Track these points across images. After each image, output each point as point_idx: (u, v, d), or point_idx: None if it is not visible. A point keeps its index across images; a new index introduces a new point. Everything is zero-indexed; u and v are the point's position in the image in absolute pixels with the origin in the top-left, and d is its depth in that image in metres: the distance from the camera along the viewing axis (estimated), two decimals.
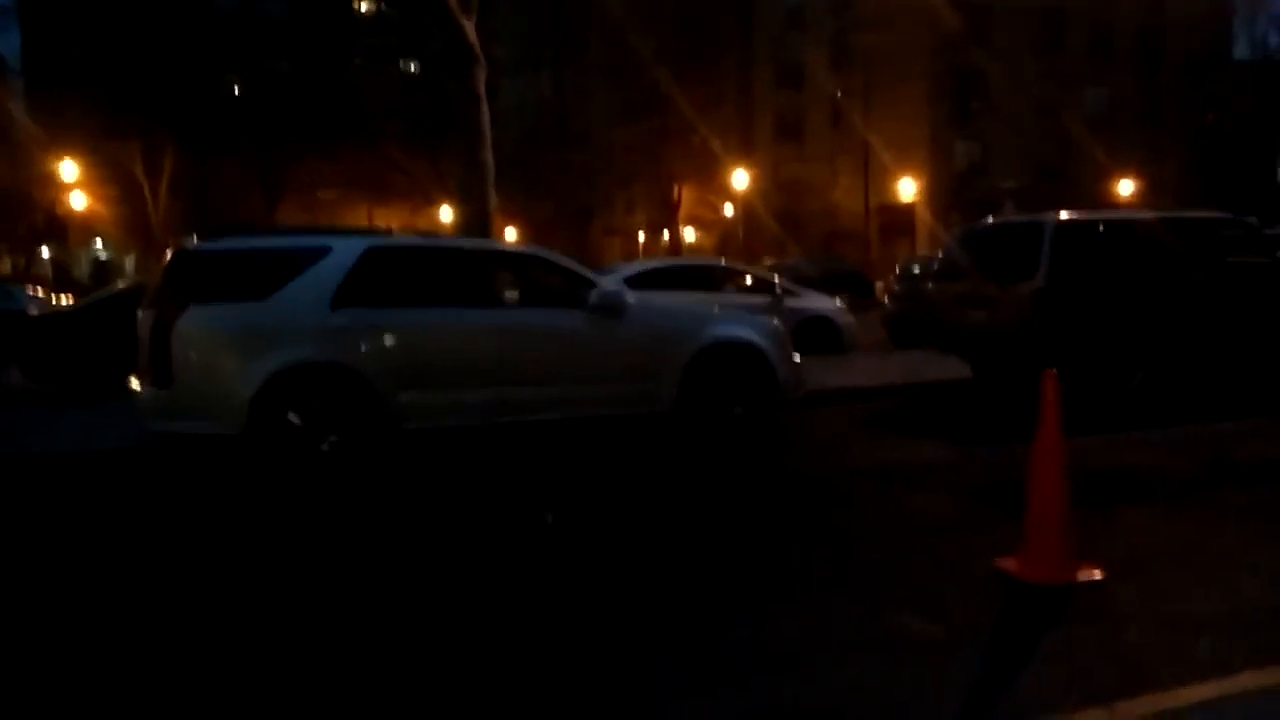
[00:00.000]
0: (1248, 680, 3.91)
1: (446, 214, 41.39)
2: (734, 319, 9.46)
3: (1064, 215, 10.86)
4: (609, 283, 9.20)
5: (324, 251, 8.22)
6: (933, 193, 44.95)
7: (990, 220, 12.60)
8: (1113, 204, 40.91)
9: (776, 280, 16.08)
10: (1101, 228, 10.92)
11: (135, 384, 8.17)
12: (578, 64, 47.54)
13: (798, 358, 9.54)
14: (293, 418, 7.86)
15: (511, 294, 9.22)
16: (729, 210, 46.91)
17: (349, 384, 8.01)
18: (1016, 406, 10.86)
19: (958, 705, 4.01)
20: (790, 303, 15.23)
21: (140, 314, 8.23)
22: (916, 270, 17.43)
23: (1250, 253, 11.24)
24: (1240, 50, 49.58)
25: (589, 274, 9.23)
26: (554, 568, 5.89)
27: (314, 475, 7.85)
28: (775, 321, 9.62)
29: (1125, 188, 44.88)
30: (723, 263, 17.62)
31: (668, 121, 43.57)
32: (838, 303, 16.44)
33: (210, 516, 7.27)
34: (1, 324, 16.33)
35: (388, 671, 4.39)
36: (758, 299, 14.94)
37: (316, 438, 7.92)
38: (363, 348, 8.06)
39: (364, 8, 59.90)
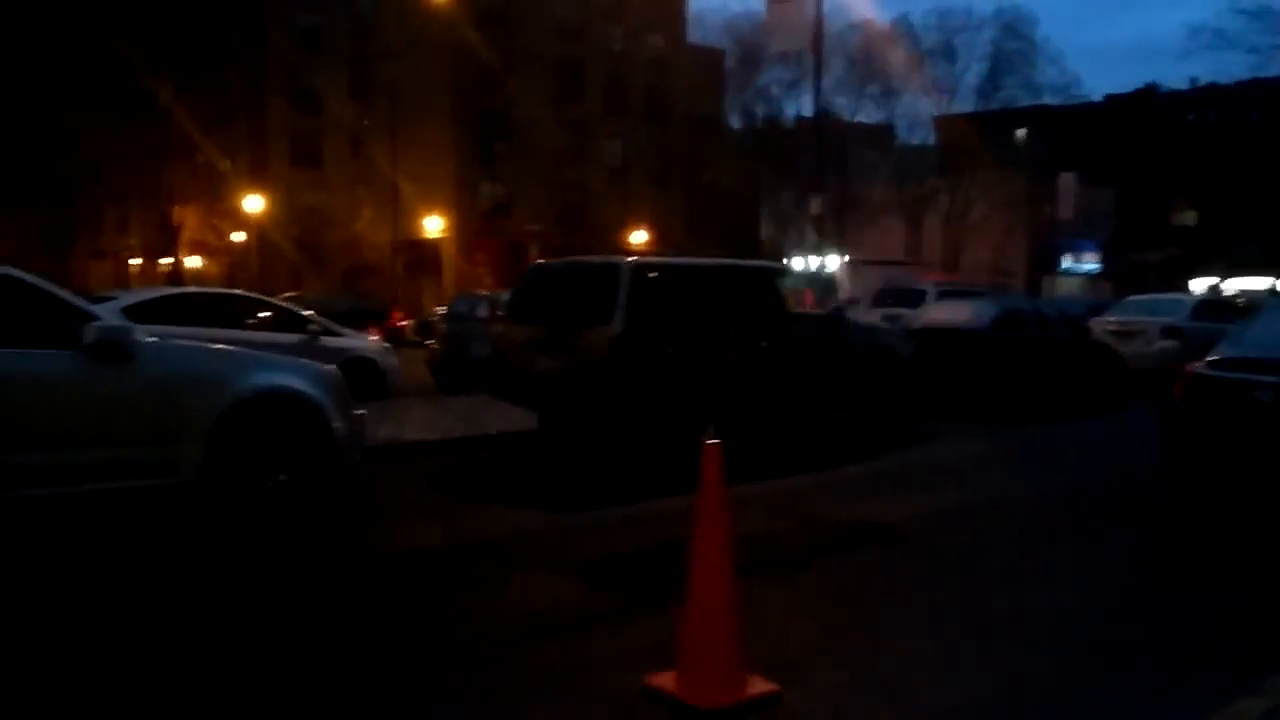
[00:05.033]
0: None
1: None
2: (279, 364, 7.66)
3: (637, 258, 10.28)
4: (109, 316, 7.06)
5: None
6: (458, 231, 44.50)
7: (561, 260, 11.79)
8: (639, 249, 42.92)
9: (310, 316, 14.21)
10: (673, 272, 10.46)
11: None
12: (58, 60, 41.53)
13: (360, 411, 7.94)
14: None
15: None
16: (239, 237, 43.23)
17: None
18: (596, 462, 10.09)
19: None
20: (327, 342, 13.46)
21: None
22: (469, 310, 16.36)
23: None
24: (734, 118, 54.74)
25: (82, 304, 7.01)
26: None
27: None
28: (331, 368, 7.96)
29: (639, 236, 47.44)
30: (241, 294, 15.39)
31: (168, 135, 39.25)
32: (379, 342, 14.89)
33: None
34: None
35: None
36: (287, 338, 13.02)
37: None
38: None
39: None
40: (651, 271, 10.17)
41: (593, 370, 9.70)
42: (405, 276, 38.87)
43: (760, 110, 52.82)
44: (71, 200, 40.35)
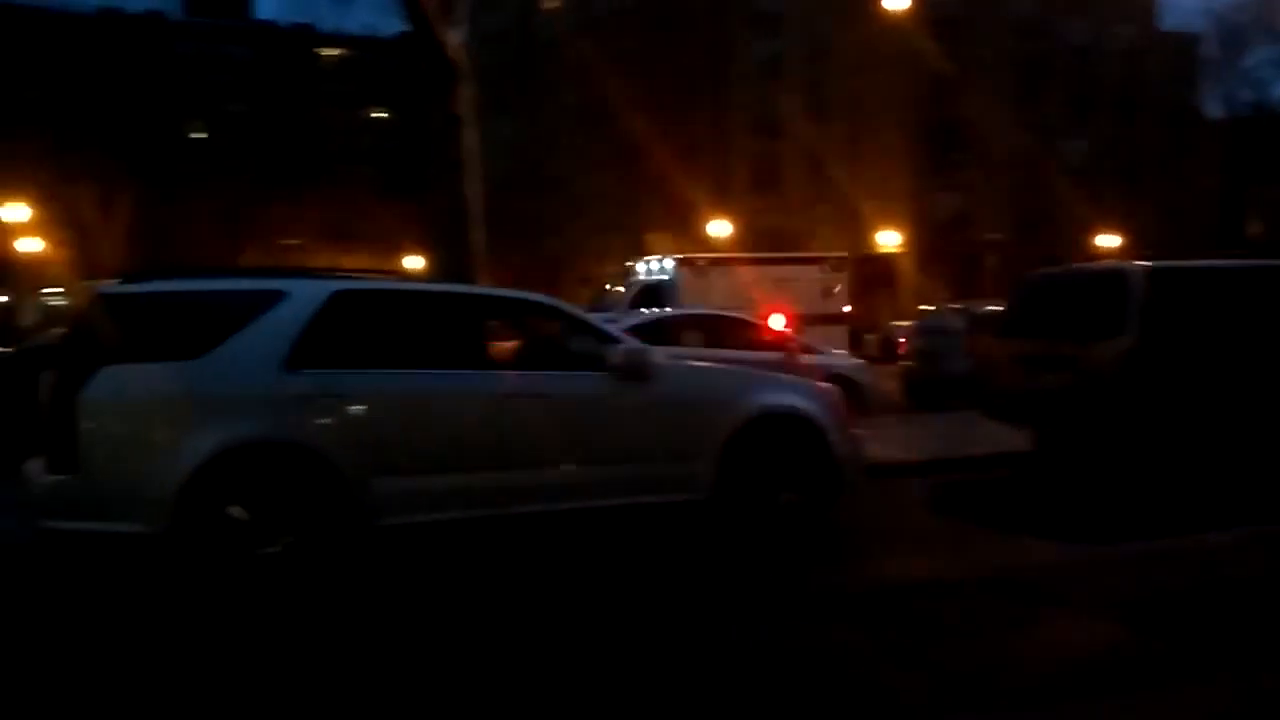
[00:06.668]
0: None
1: (416, 264, 39.81)
2: (783, 383, 7.78)
3: (1152, 262, 9.35)
4: (631, 339, 7.50)
5: (277, 297, 6.46)
6: (915, 244, 43.80)
7: (1059, 269, 11.04)
8: (1104, 256, 39.87)
9: (789, 334, 14.45)
10: (1193, 277, 9.40)
11: (33, 466, 6.31)
12: (548, 108, 46.32)
13: (860, 432, 7.86)
14: (235, 512, 6.07)
15: (513, 352, 7.53)
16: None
17: (309, 468, 6.24)
18: (1104, 488, 9.24)
19: None
20: (807, 359, 13.58)
21: (43, 376, 6.40)
22: (942, 325, 15.97)
23: None
24: (1212, 106, 49.46)
25: (607, 328, 7.53)
26: None
27: (261, 586, 6.04)
28: (831, 387, 7.96)
29: (1108, 240, 43.98)
30: (726, 314, 15.94)
31: (642, 169, 42.28)
32: (856, 359, 14.83)
33: (107, 646, 5.42)
34: None
35: None
36: (771, 354, 13.29)
37: (265, 537, 6.12)
38: (327, 421, 6.30)
39: (329, 53, 58.61)
40: (1167, 278, 9.20)
41: (1101, 387, 8.93)
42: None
43: (1245, 96, 47.23)
44: (560, 234, 44.76)
